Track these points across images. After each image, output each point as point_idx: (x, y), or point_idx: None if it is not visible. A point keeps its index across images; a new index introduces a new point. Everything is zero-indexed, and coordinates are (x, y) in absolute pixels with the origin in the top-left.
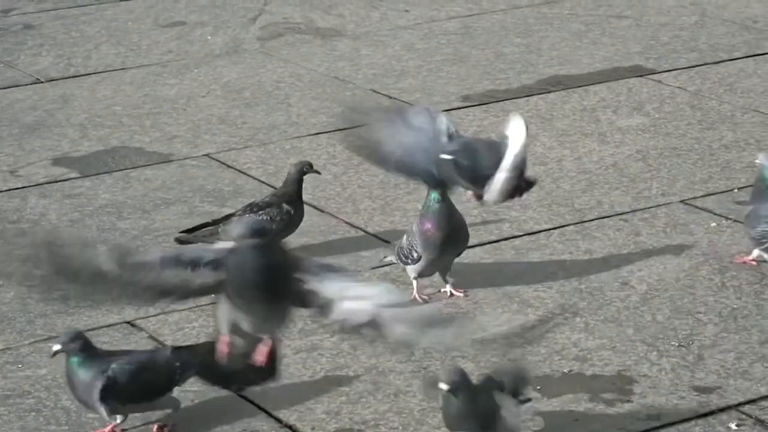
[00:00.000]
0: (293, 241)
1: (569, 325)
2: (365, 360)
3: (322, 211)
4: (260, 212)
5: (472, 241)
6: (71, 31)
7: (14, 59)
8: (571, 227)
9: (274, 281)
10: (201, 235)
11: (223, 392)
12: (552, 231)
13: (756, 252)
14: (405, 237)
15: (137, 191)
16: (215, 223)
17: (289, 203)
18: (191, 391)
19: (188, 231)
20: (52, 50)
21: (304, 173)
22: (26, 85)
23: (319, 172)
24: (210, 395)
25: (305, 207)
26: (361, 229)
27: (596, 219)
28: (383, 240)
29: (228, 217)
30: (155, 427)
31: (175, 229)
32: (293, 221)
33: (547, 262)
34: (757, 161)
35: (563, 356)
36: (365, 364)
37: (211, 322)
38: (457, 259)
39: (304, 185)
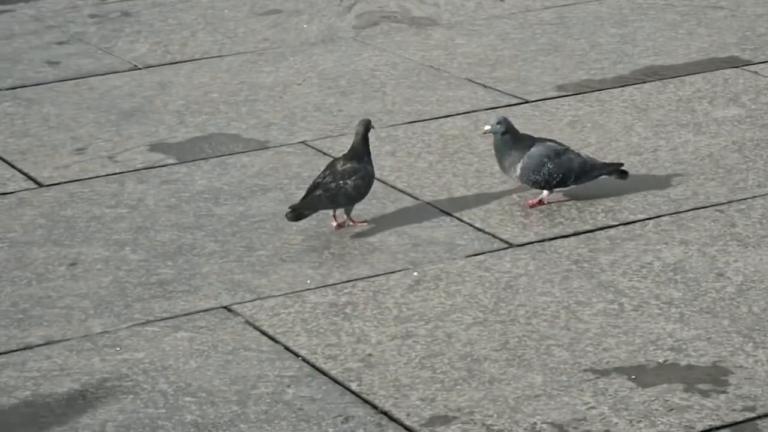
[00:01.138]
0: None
1: (664, 316)
2: (460, 347)
3: (417, 199)
4: (351, 177)
5: (566, 231)
6: (168, 18)
7: (112, 46)
8: (667, 218)
9: None
10: (307, 206)
11: (320, 378)
12: (647, 221)
13: (545, 193)
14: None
15: (234, 177)
16: (308, 192)
17: (369, 163)
18: (287, 376)
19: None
20: (149, 37)
21: (369, 130)
22: (124, 71)
23: (374, 127)
24: (304, 381)
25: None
26: (456, 218)
27: (692, 210)
28: (478, 228)
29: (325, 186)
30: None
31: (272, 215)
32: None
33: (642, 252)
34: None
35: (658, 346)
36: (460, 352)
37: (307, 308)
38: (551, 248)
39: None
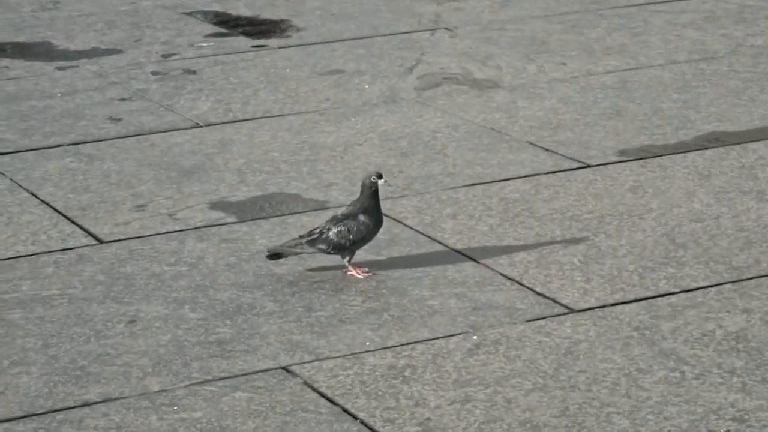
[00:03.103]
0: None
1: (726, 385)
2: (519, 413)
3: (478, 262)
4: (339, 224)
5: (627, 297)
6: (230, 76)
7: (174, 103)
8: (729, 285)
9: None
10: (287, 246)
11: None
12: (709, 289)
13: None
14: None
15: (294, 237)
16: (300, 237)
17: (365, 213)
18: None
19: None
20: (211, 95)
21: (375, 182)
22: (185, 129)
23: (387, 182)
24: None
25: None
26: (516, 281)
27: (754, 278)
28: (539, 293)
29: (312, 231)
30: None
31: (332, 276)
32: (370, 231)
33: (704, 320)
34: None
35: (720, 416)
36: (519, 418)
37: (366, 370)
38: (612, 314)
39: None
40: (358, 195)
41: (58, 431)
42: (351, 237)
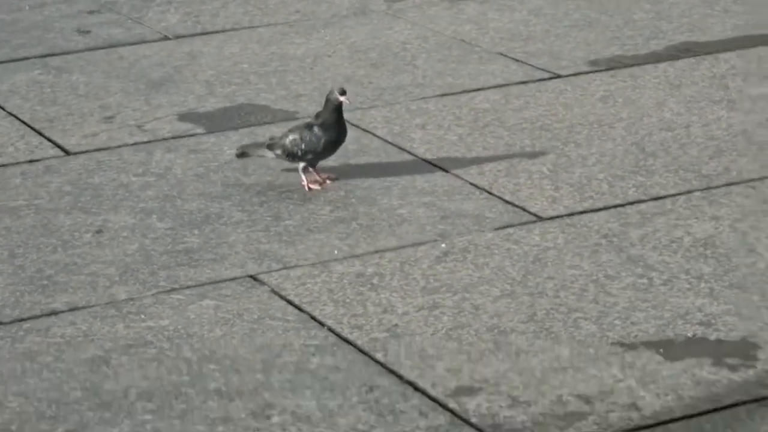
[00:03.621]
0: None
1: (694, 290)
2: (487, 319)
3: (447, 171)
4: (294, 132)
5: (596, 205)
6: None
7: (142, 16)
8: (698, 193)
9: None
10: (253, 146)
11: (345, 347)
12: (678, 196)
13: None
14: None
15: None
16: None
17: (321, 126)
18: (312, 346)
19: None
20: (180, 8)
21: (336, 98)
22: (154, 41)
23: (348, 99)
24: (329, 350)
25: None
26: (485, 190)
27: (724, 186)
28: (507, 201)
29: (273, 136)
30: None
31: (300, 185)
32: (324, 144)
33: (673, 227)
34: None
35: (687, 320)
36: (487, 324)
37: (334, 278)
38: (581, 222)
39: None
40: None
41: (25, 340)
42: (303, 147)
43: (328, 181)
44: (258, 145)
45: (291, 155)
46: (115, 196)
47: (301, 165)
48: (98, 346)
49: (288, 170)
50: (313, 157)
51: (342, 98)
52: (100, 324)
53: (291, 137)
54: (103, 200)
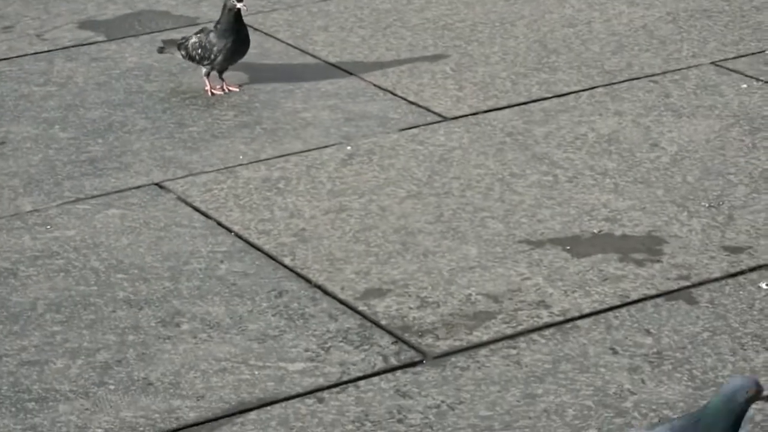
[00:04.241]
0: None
1: (599, 186)
2: (394, 221)
3: (350, 73)
4: (196, 36)
5: (500, 103)
6: None
7: None
8: (601, 89)
9: None
10: (170, 42)
11: (253, 253)
12: (581, 93)
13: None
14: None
15: (164, 54)
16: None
17: (216, 33)
18: (220, 252)
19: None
20: None
21: (233, 5)
22: None
23: (245, 5)
24: (237, 256)
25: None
26: (389, 92)
27: (626, 81)
28: (411, 102)
29: (185, 36)
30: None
31: (203, 91)
32: (217, 51)
33: (576, 124)
34: None
35: (593, 216)
36: (394, 225)
37: (240, 183)
38: (485, 121)
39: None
40: None
41: None
42: (199, 51)
43: (229, 89)
44: (173, 43)
45: (191, 58)
46: (16, 107)
47: (204, 70)
48: (4, 258)
49: (194, 73)
50: (209, 62)
51: (239, 5)
52: (6, 236)
53: (192, 40)
54: (4, 111)
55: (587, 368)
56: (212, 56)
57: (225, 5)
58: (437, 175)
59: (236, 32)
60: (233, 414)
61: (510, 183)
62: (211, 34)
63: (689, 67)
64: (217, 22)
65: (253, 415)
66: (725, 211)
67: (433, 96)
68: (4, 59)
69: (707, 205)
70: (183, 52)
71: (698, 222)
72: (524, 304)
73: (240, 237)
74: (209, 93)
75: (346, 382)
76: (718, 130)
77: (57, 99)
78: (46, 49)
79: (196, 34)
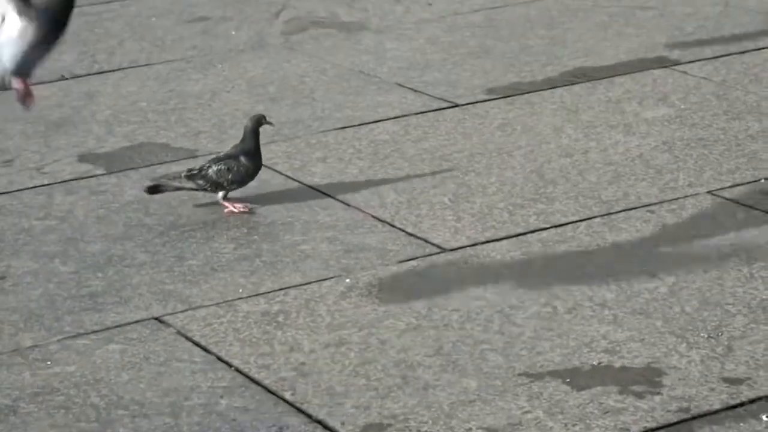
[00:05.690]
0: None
1: (597, 317)
2: (394, 354)
3: (348, 205)
4: (219, 162)
5: (498, 234)
6: (95, 27)
7: None
8: (598, 219)
9: None
10: (167, 178)
11: (253, 387)
12: (579, 223)
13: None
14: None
15: (174, 171)
16: (179, 172)
17: (246, 155)
18: (220, 387)
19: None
20: (76, 47)
21: (260, 125)
22: (51, 82)
23: (272, 124)
24: (237, 391)
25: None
26: (388, 223)
27: (623, 211)
28: (410, 234)
29: (191, 168)
30: None
31: (203, 224)
32: (249, 173)
33: (575, 254)
34: None
35: (592, 348)
36: (394, 359)
37: (239, 317)
38: (484, 252)
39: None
40: (227, 142)
41: None
42: (230, 177)
43: (247, 207)
44: (170, 177)
45: (216, 185)
46: (17, 241)
47: (221, 194)
48: (5, 395)
49: (194, 206)
50: (236, 186)
51: (268, 122)
52: (6, 372)
53: (216, 167)
54: (4, 246)
55: None
56: (244, 179)
57: (253, 126)
58: (436, 307)
59: (258, 152)
60: None
61: (509, 315)
62: (242, 158)
63: (686, 197)
64: (236, 147)
65: None
66: (724, 342)
67: (431, 227)
68: (5, 193)
69: (706, 335)
70: (201, 182)
71: (697, 353)
72: None
73: (240, 372)
74: (235, 210)
75: None
76: (715, 260)
77: (57, 233)
78: (46, 182)
79: (213, 162)
